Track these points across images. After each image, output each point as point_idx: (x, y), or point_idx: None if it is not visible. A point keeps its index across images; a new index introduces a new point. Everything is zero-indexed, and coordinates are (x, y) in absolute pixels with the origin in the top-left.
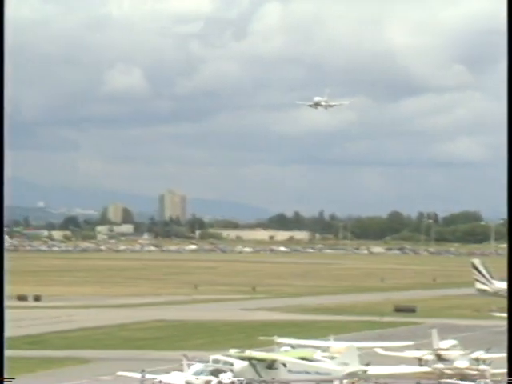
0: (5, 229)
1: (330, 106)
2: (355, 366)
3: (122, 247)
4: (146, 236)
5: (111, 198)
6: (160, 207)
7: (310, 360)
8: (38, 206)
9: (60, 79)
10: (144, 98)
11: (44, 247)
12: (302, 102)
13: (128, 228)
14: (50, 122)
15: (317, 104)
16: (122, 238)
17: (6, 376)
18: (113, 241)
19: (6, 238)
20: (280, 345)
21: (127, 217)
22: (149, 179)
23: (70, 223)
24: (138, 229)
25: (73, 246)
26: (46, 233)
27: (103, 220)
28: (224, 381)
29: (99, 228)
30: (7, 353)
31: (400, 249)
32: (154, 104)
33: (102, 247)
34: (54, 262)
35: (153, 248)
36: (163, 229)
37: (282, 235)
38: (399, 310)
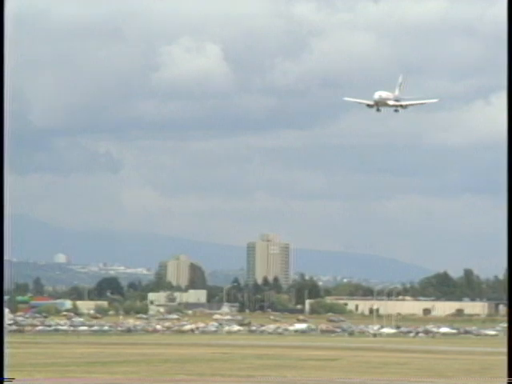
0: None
1: (402, 106)
2: None
3: (187, 326)
4: (225, 308)
5: (172, 249)
6: (248, 263)
7: None
8: (55, 261)
9: (90, 63)
10: (223, 91)
11: (65, 326)
12: (353, 99)
13: (198, 296)
14: (72, 128)
15: (378, 103)
16: (189, 312)
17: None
18: (174, 316)
19: (5, 311)
20: None
21: (197, 278)
22: (230, 219)
23: (107, 288)
24: (214, 297)
25: (111, 323)
26: (67, 303)
27: (159, 283)
28: None
29: (153, 296)
30: None
31: None
32: (239, 101)
33: (157, 326)
34: (79, 349)
35: (236, 327)
36: (253, 297)
37: (445, 307)
38: None
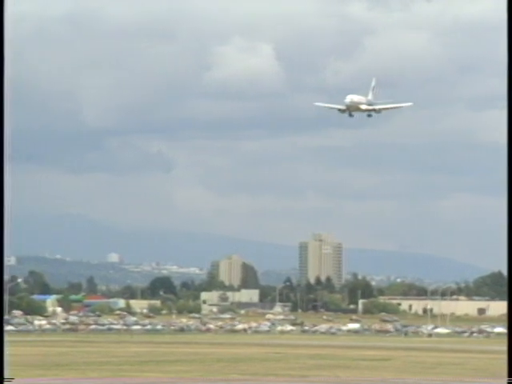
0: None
1: (376, 110)
2: None
3: (240, 325)
4: (278, 308)
5: (224, 249)
6: (300, 262)
7: None
8: (109, 261)
9: (143, 63)
10: (275, 90)
11: (118, 325)
12: (324, 103)
13: (250, 295)
14: (125, 128)
15: (350, 108)
16: (241, 312)
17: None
18: (226, 315)
19: (59, 310)
20: None
21: (249, 278)
22: (282, 219)
23: (160, 287)
24: (266, 296)
25: (164, 322)
26: (121, 302)
27: (212, 283)
28: None
29: (206, 295)
30: None
31: None
32: (291, 100)
33: (210, 325)
34: (132, 348)
35: (289, 327)
36: (305, 297)
37: (500, 307)
38: None
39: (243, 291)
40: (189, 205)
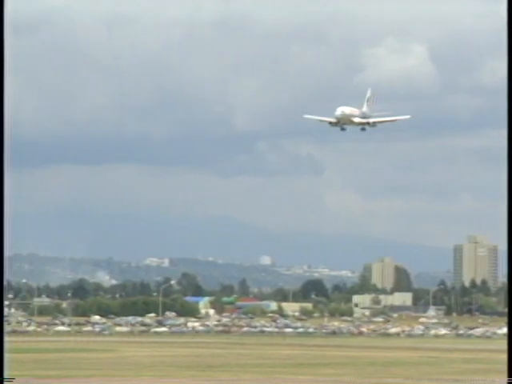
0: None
1: (370, 124)
2: None
3: (393, 329)
4: (431, 312)
5: (376, 251)
6: (455, 265)
7: None
8: (260, 263)
9: (292, 66)
10: (429, 91)
11: (270, 328)
12: (313, 116)
13: (403, 298)
14: (275, 131)
15: (341, 120)
16: (394, 315)
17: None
18: (379, 319)
19: (212, 312)
20: None
21: (402, 281)
22: (435, 221)
23: (312, 290)
24: (420, 300)
25: (316, 325)
26: (273, 305)
27: (364, 286)
28: None
29: (358, 298)
30: None
31: None
32: (445, 101)
33: (363, 328)
34: (285, 351)
35: (443, 331)
36: (460, 300)
37: None
38: None
39: (396, 294)
40: (340, 207)
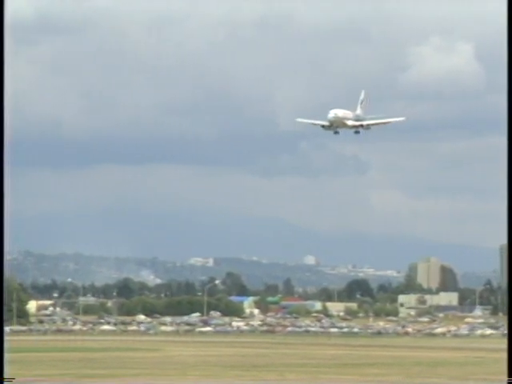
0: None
1: (363, 126)
2: None
3: (438, 329)
4: (477, 311)
5: (422, 251)
6: (501, 265)
7: None
8: (305, 263)
9: (336, 65)
10: (474, 90)
11: (315, 327)
12: (305, 119)
13: (449, 298)
14: (318, 130)
15: (334, 123)
16: (440, 315)
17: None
18: (424, 318)
19: (256, 311)
20: None
21: (448, 281)
22: (481, 221)
23: (357, 290)
24: (466, 299)
25: (361, 325)
26: (317, 305)
27: (409, 286)
28: None
29: (403, 298)
30: None
31: None
32: (490, 100)
33: (408, 328)
34: (330, 351)
35: (489, 331)
36: (506, 300)
37: None
38: None
39: (442, 294)
40: (385, 207)
